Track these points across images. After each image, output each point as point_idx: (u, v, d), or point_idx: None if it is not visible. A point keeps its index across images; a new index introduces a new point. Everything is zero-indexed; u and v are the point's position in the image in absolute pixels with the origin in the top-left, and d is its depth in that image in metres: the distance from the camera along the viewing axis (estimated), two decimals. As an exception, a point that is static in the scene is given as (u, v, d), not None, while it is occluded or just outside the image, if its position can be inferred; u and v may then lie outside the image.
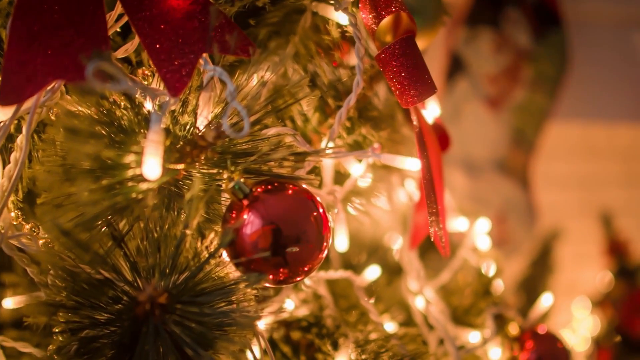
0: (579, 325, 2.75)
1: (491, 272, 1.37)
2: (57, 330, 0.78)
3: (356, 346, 0.99)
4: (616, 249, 2.77)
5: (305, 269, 0.76)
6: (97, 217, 0.69)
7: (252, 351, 0.85)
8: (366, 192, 1.01)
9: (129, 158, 0.67)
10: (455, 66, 2.60)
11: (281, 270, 0.75)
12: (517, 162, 2.71)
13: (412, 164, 0.84)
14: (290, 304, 1.02)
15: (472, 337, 1.23)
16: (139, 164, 0.67)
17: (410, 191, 1.17)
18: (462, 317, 1.33)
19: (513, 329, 1.25)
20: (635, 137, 3.22)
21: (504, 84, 2.61)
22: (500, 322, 1.26)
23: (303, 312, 1.06)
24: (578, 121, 2.98)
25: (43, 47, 0.64)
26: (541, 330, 1.22)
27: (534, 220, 2.75)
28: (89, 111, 0.69)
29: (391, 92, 0.89)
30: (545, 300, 1.26)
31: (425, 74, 0.78)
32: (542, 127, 2.75)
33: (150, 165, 0.64)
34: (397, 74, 0.77)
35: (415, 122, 0.82)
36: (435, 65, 2.59)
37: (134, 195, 0.69)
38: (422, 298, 1.17)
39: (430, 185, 0.80)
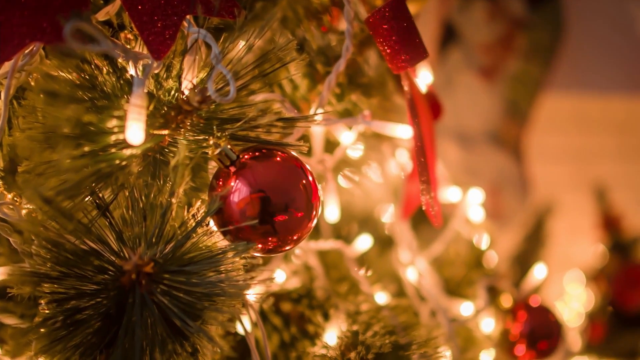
0: (572, 299, 2.76)
1: (484, 243, 1.36)
2: (42, 301, 0.76)
3: (347, 317, 0.98)
4: (610, 223, 2.77)
5: (295, 237, 0.74)
6: (80, 184, 0.67)
7: (241, 322, 0.84)
8: (357, 161, 0.99)
9: (112, 123, 0.65)
10: (449, 36, 2.58)
11: (270, 239, 0.74)
12: (511, 134, 2.70)
13: (403, 131, 0.83)
14: (281, 276, 1.01)
15: (465, 308, 1.22)
16: (122, 129, 0.65)
17: (402, 161, 1.16)
18: (454, 289, 1.32)
19: (506, 301, 1.24)
20: (630, 109, 3.20)
21: (498, 54, 2.59)
22: (493, 294, 1.25)
23: (294, 283, 1.05)
24: (572, 93, 2.97)
25: (19, 8, 0.62)
26: (534, 302, 1.21)
27: (527, 193, 2.74)
28: (69, 76, 0.67)
29: (382, 57, 0.87)
30: (538, 272, 1.26)
31: (417, 38, 0.76)
32: (536, 99, 2.73)
33: (134, 130, 0.63)
34: (388, 37, 0.75)
35: (406, 89, 0.81)
36: (428, 35, 2.56)
37: (117, 162, 0.67)
38: (414, 269, 1.16)
39: (422, 152, 0.79)
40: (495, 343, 1.21)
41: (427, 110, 0.91)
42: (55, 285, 0.76)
